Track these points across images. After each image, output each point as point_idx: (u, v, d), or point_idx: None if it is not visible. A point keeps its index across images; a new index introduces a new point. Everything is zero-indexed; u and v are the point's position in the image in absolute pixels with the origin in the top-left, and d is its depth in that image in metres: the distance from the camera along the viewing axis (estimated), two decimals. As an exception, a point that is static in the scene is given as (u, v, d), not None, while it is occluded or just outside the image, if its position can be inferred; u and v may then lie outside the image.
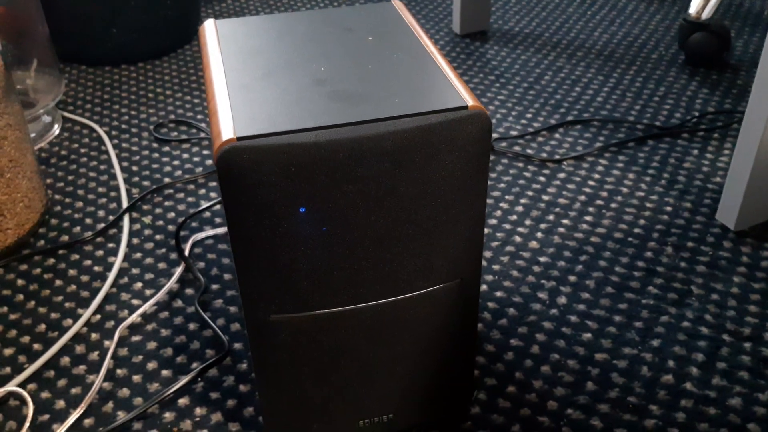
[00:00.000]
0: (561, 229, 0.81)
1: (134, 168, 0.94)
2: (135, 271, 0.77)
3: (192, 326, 0.70)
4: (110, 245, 0.81)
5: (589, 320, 0.70)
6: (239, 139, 0.44)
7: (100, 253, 0.80)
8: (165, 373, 0.66)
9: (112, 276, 0.76)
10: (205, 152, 0.97)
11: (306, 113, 0.46)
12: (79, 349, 0.68)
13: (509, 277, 0.75)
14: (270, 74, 0.51)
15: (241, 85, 0.50)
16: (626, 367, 0.65)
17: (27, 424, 0.61)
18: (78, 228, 0.84)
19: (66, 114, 1.06)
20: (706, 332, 0.68)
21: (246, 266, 0.47)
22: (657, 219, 0.82)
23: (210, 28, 0.59)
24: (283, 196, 0.45)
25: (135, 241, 0.81)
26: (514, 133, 0.98)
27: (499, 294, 0.73)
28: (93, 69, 1.19)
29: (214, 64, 0.53)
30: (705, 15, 1.11)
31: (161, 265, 0.78)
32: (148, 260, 0.79)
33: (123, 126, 1.03)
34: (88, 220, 0.85)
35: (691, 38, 1.12)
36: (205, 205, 0.86)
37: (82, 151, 0.98)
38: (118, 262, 0.78)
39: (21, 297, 0.74)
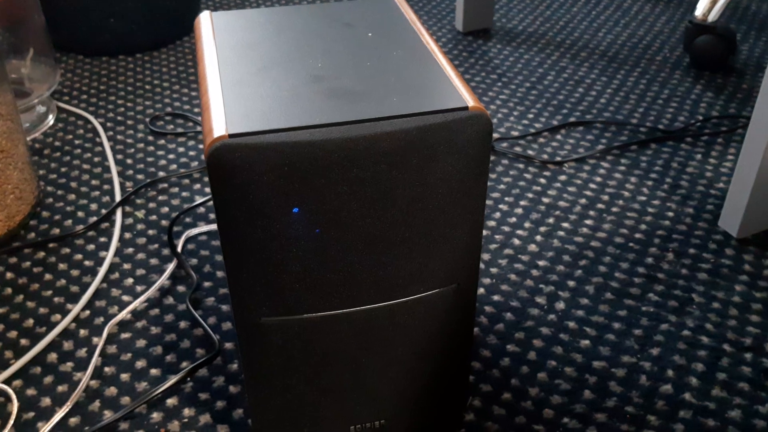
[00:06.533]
0: (561, 233, 0.80)
1: (129, 161, 0.92)
2: (126, 266, 0.76)
3: (182, 324, 0.69)
4: (102, 239, 0.80)
5: (587, 327, 0.68)
6: (231, 136, 0.42)
7: (91, 247, 0.79)
8: (154, 372, 0.64)
9: (102, 271, 0.75)
10: (201, 146, 0.95)
11: (301, 111, 0.45)
12: (67, 345, 0.67)
13: (507, 281, 0.74)
14: (265, 69, 0.50)
15: (235, 80, 0.48)
16: (624, 376, 0.63)
17: (11, 422, 0.60)
18: (70, 221, 0.82)
19: (61, 104, 1.04)
20: (706, 341, 0.67)
21: (237, 267, 0.46)
22: (658, 224, 0.81)
23: (206, 21, 0.57)
24: (275, 195, 0.43)
25: (127, 235, 0.80)
26: (515, 133, 0.97)
27: (496, 298, 0.72)
28: (89, 59, 1.18)
29: (208, 58, 0.51)
30: (711, 17, 1.10)
31: (153, 261, 0.76)
32: (140, 255, 0.77)
33: (118, 118, 1.02)
34: (80, 213, 0.84)
35: (696, 41, 1.10)
36: (199, 200, 0.85)
37: (77, 142, 0.97)
38: (109, 256, 0.77)
39: (9, 290, 0.73)
